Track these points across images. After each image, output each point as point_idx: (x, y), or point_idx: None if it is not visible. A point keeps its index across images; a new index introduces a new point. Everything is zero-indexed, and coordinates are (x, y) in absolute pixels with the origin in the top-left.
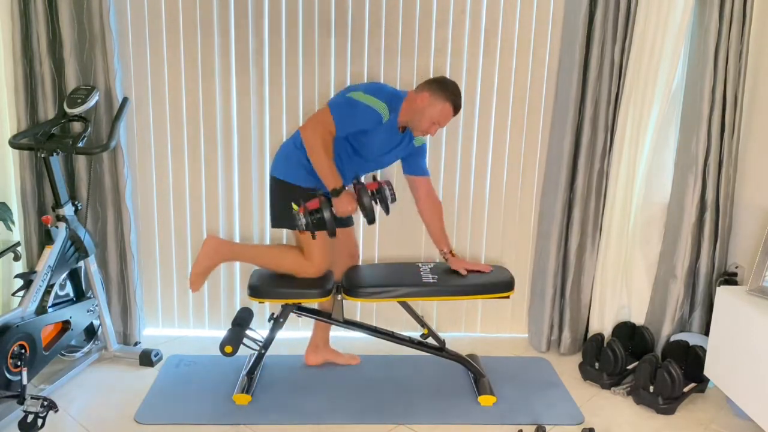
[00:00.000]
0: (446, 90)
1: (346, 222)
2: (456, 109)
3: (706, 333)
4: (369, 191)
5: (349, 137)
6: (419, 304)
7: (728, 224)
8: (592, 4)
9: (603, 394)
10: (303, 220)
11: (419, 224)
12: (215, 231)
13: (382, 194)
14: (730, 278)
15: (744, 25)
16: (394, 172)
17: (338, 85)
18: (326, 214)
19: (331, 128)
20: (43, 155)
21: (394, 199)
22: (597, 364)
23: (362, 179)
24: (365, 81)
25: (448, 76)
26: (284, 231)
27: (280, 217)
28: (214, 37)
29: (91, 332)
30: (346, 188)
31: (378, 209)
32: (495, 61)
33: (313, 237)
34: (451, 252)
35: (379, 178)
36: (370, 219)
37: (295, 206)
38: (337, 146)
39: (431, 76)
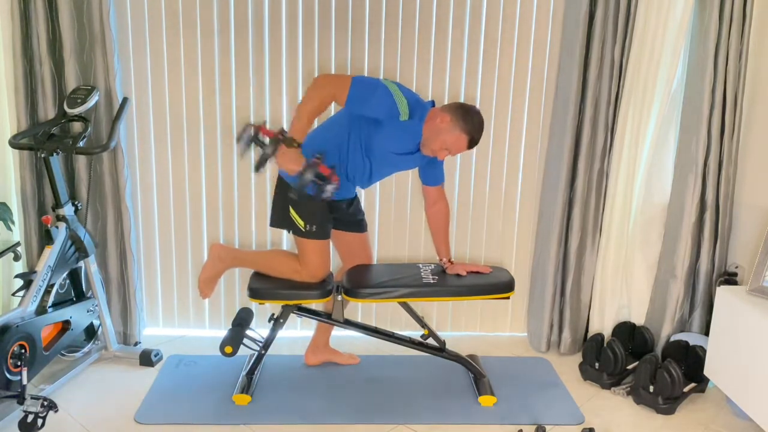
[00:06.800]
0: (468, 121)
1: (358, 227)
2: (472, 143)
3: (706, 333)
4: (316, 171)
5: (364, 127)
6: (419, 305)
7: (728, 224)
8: (592, 4)
9: (603, 394)
10: (244, 137)
11: (419, 225)
12: (215, 230)
13: (323, 183)
14: (730, 278)
15: (744, 25)
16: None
17: None
18: (268, 150)
19: (342, 94)
20: (43, 155)
21: (331, 196)
22: (597, 364)
23: (322, 157)
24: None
25: (447, 74)
26: (284, 235)
27: (278, 217)
28: (214, 37)
29: (91, 332)
30: (300, 150)
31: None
32: (495, 61)
33: (311, 227)
34: (450, 261)
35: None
36: (299, 192)
37: (292, 209)
38: (352, 138)
39: (441, 92)
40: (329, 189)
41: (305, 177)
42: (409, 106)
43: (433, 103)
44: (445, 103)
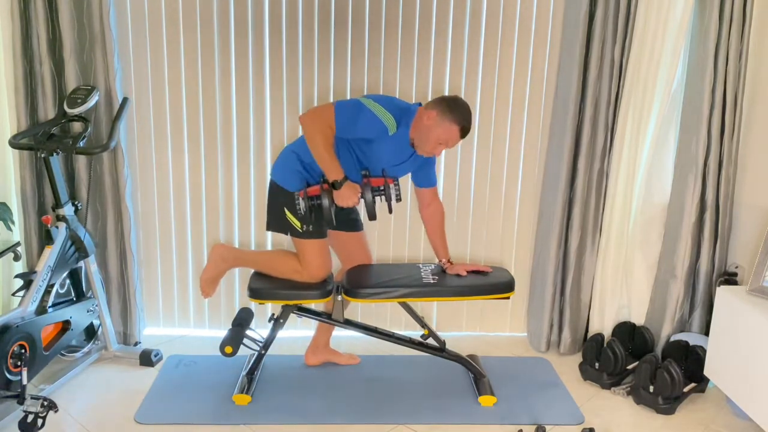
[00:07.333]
0: (455, 111)
1: (354, 226)
2: (464, 132)
3: (706, 333)
4: (373, 187)
5: (354, 146)
6: (419, 305)
7: (728, 224)
8: (592, 4)
9: (603, 394)
10: (302, 204)
11: (420, 225)
12: (215, 230)
13: (386, 192)
14: (730, 278)
15: (744, 25)
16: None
17: (338, 84)
18: (325, 202)
19: (332, 124)
20: (43, 155)
21: (399, 199)
22: (597, 364)
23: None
24: (365, 78)
25: (447, 75)
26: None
27: (274, 221)
28: (214, 37)
29: (91, 332)
30: (349, 181)
31: (381, 207)
32: (495, 61)
33: (308, 227)
34: (449, 261)
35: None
36: (371, 215)
37: (287, 211)
38: (343, 155)
39: (441, 92)
40: (393, 193)
41: (368, 199)
42: (394, 118)
43: (420, 104)
44: None
